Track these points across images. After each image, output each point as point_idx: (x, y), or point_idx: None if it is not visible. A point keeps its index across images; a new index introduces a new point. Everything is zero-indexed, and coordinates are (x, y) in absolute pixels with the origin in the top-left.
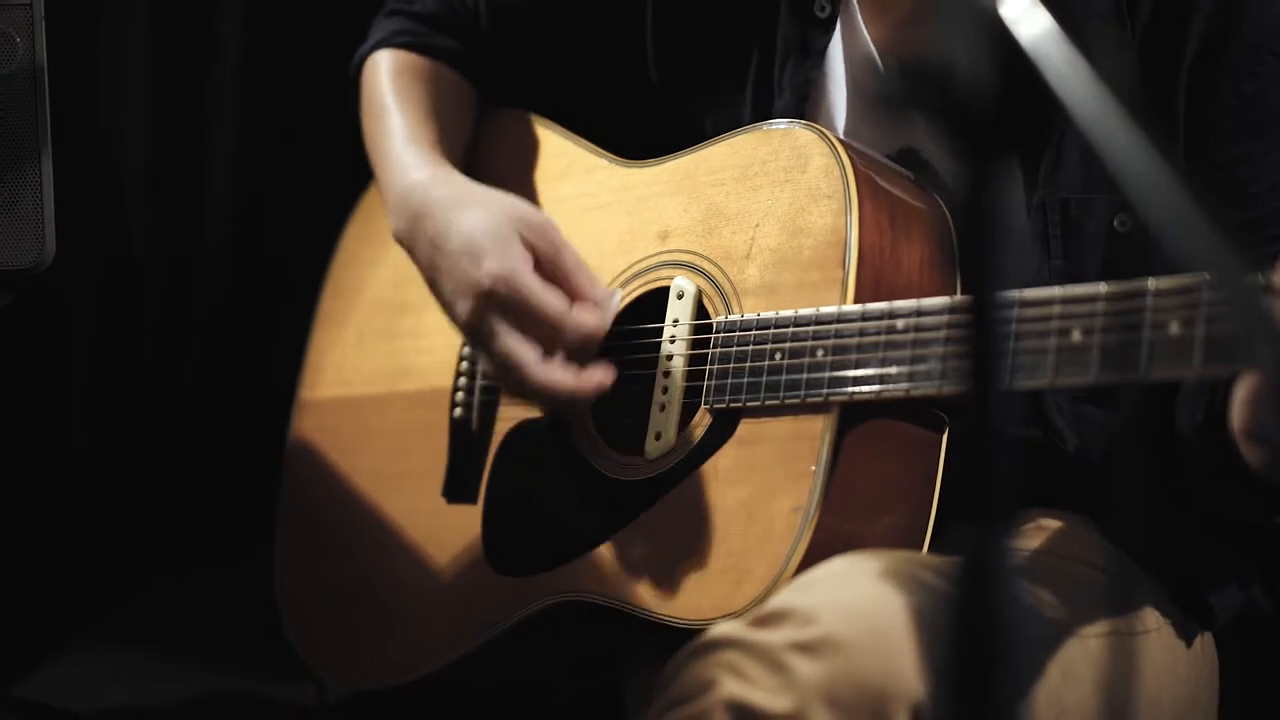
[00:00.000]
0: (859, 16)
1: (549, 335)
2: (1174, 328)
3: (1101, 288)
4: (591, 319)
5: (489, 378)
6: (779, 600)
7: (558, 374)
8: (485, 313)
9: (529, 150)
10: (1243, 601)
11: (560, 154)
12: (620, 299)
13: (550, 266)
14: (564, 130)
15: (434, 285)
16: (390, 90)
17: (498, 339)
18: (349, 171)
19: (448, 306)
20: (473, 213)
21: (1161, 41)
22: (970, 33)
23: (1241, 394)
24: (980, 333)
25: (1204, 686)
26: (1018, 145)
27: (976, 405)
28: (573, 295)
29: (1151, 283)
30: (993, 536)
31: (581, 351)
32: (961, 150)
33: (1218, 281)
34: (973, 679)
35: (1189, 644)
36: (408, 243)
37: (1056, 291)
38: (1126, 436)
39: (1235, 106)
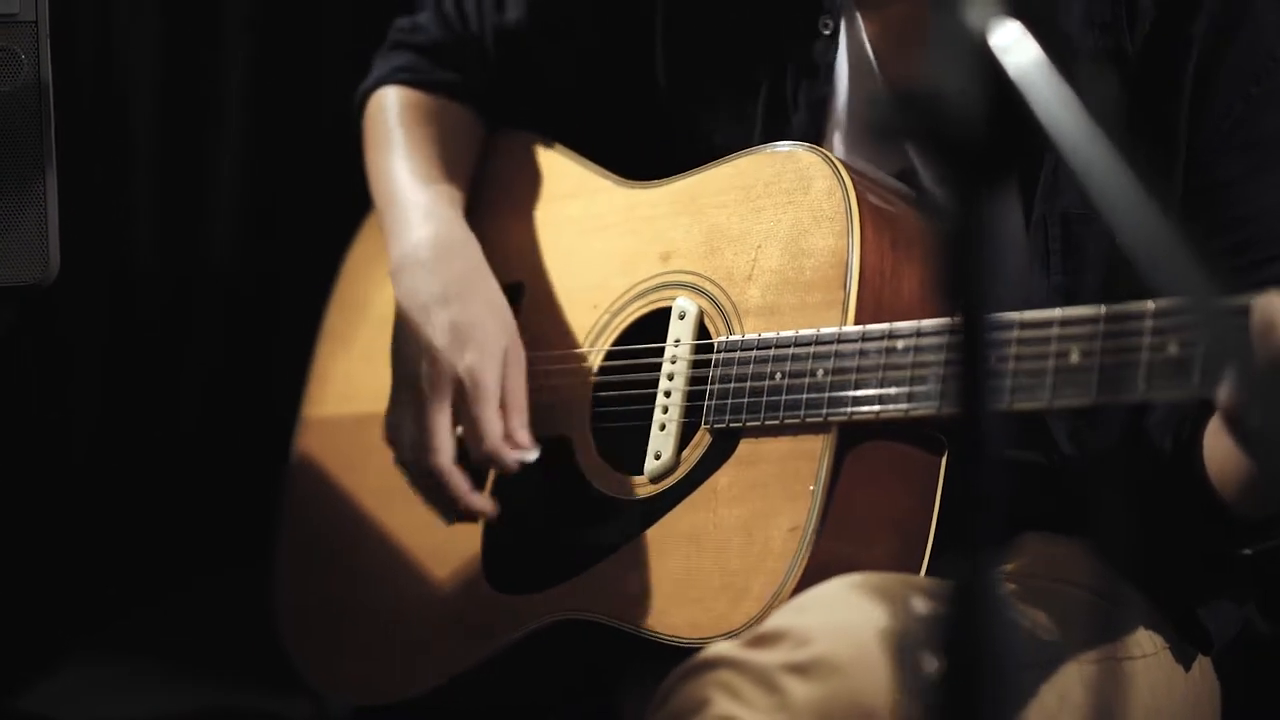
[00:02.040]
0: (865, 38)
1: (471, 444)
2: (1172, 348)
3: (1101, 309)
4: (511, 458)
5: (391, 436)
6: (774, 621)
7: (458, 477)
8: (438, 387)
9: (535, 171)
10: (1240, 624)
11: (565, 175)
12: (536, 453)
13: (507, 394)
14: (569, 152)
15: (405, 328)
16: (395, 128)
17: (433, 413)
18: (354, 188)
19: (405, 353)
20: (473, 306)
21: (1160, 61)
22: (960, 60)
23: (1214, 423)
24: (970, 355)
25: (1204, 712)
26: (1003, 172)
27: (968, 426)
28: (509, 432)
29: (1150, 304)
30: (982, 559)
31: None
32: (949, 177)
33: (1192, 305)
34: (962, 702)
35: (1187, 668)
36: (397, 280)
37: (1056, 313)
38: (1116, 457)
39: (1227, 127)
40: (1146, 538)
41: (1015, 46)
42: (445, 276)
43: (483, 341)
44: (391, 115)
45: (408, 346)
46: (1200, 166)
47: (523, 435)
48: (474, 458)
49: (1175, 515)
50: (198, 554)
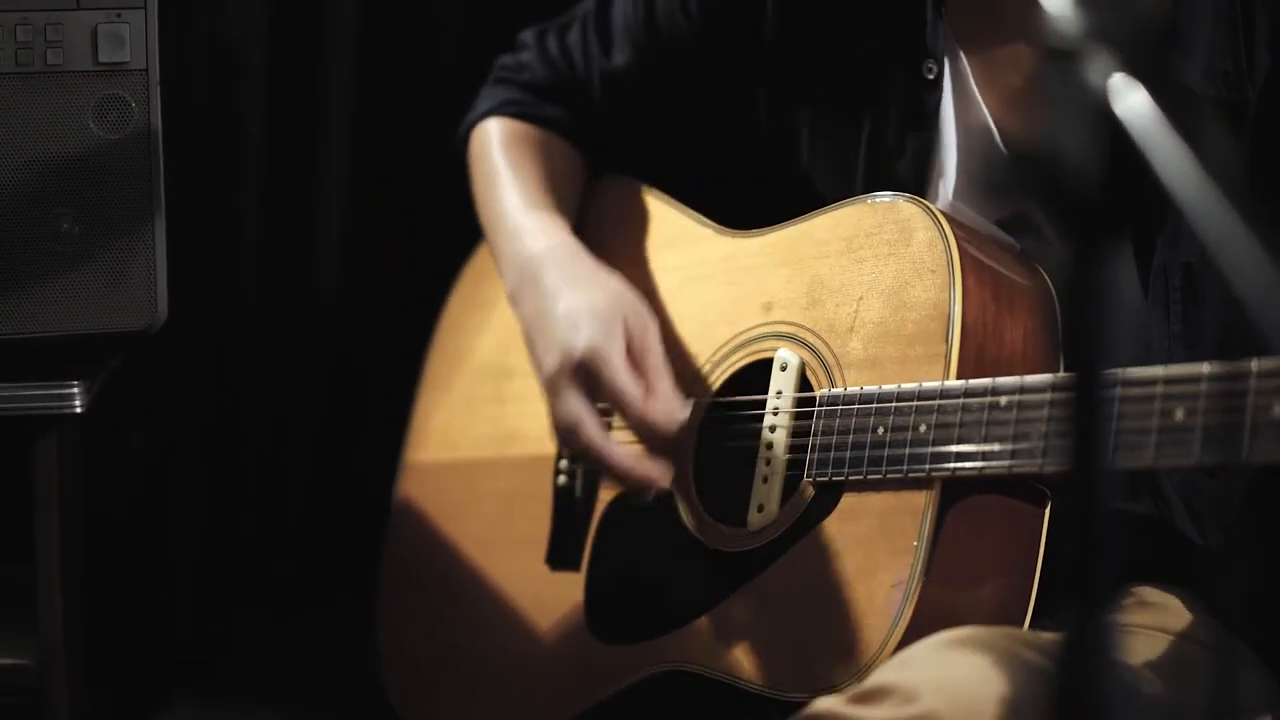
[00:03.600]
0: (971, 82)
1: (620, 414)
2: (1277, 410)
3: (1204, 368)
4: (660, 417)
5: (557, 434)
6: (879, 677)
7: (619, 452)
8: (568, 375)
9: (637, 218)
10: None
11: (667, 223)
12: (691, 409)
13: (639, 357)
14: (670, 199)
15: (530, 342)
16: (502, 158)
17: (571, 400)
18: (460, 228)
19: (537, 361)
20: (583, 289)
21: (1275, 108)
22: (1078, 119)
23: None
24: (1083, 412)
25: None
26: (1123, 232)
27: (1080, 485)
28: (650, 390)
29: (1255, 364)
30: (1095, 615)
31: (647, 443)
32: (1070, 235)
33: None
34: None
35: None
36: (516, 301)
37: (1159, 371)
38: (1238, 514)
39: None
40: (1266, 595)
41: (1133, 104)
42: (558, 278)
43: (595, 319)
44: (497, 146)
45: (535, 356)
46: None
47: (668, 398)
48: (632, 429)
49: None
50: (301, 597)
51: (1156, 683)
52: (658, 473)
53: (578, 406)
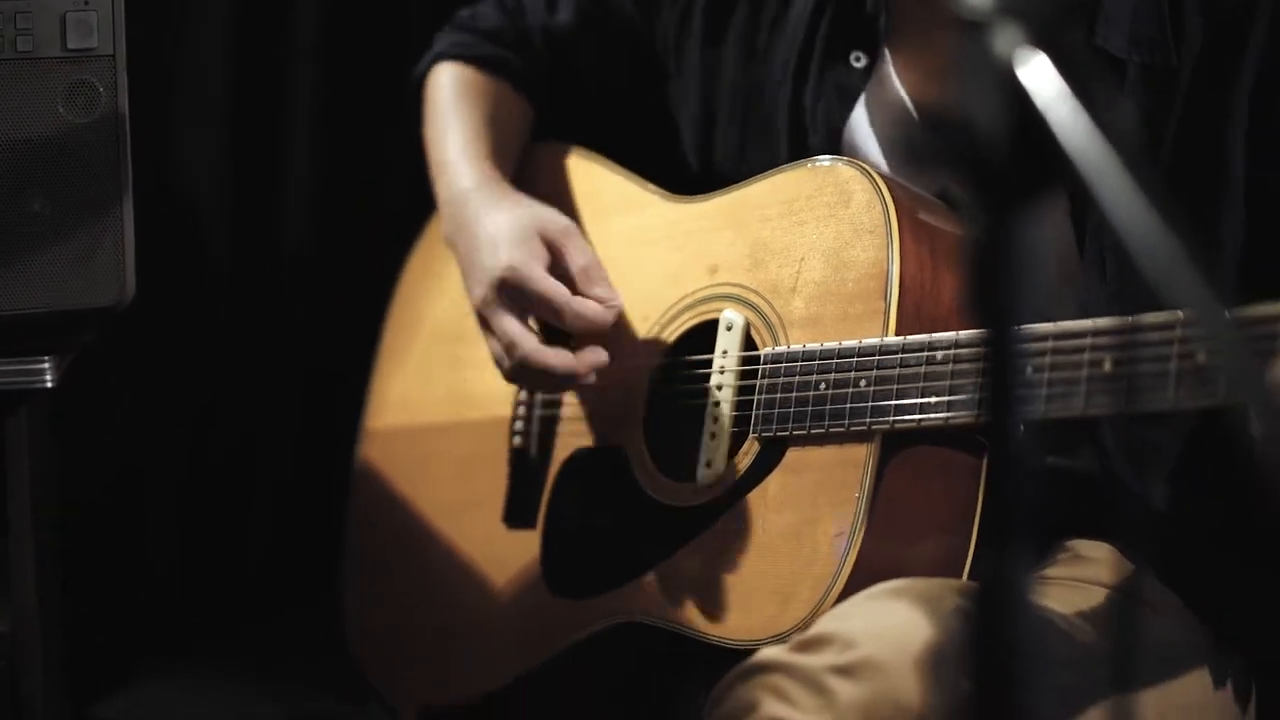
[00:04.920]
0: (892, 68)
1: (552, 320)
2: (1200, 357)
3: (1130, 320)
4: (591, 306)
5: (496, 360)
6: (820, 626)
7: (552, 354)
8: (495, 298)
9: (582, 185)
10: None
11: (611, 189)
12: (621, 301)
13: (562, 261)
14: (613, 165)
15: (465, 278)
16: (450, 104)
17: (501, 320)
18: (419, 204)
19: (470, 294)
20: (502, 213)
21: (1212, 74)
22: (986, 86)
23: None
24: (1000, 366)
25: None
26: (1031, 194)
27: (999, 433)
28: (578, 288)
29: (1180, 314)
30: (1013, 560)
31: (584, 340)
32: (979, 199)
33: (1199, 319)
34: (993, 700)
35: (1226, 685)
36: (451, 244)
37: (1088, 324)
38: (1178, 465)
39: None
40: (1203, 550)
41: (1037, 74)
42: (481, 212)
43: (513, 236)
44: (447, 93)
45: (469, 292)
46: (1269, 176)
47: (598, 289)
48: (567, 327)
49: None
50: (272, 570)
51: (1088, 632)
52: (595, 359)
53: (508, 324)
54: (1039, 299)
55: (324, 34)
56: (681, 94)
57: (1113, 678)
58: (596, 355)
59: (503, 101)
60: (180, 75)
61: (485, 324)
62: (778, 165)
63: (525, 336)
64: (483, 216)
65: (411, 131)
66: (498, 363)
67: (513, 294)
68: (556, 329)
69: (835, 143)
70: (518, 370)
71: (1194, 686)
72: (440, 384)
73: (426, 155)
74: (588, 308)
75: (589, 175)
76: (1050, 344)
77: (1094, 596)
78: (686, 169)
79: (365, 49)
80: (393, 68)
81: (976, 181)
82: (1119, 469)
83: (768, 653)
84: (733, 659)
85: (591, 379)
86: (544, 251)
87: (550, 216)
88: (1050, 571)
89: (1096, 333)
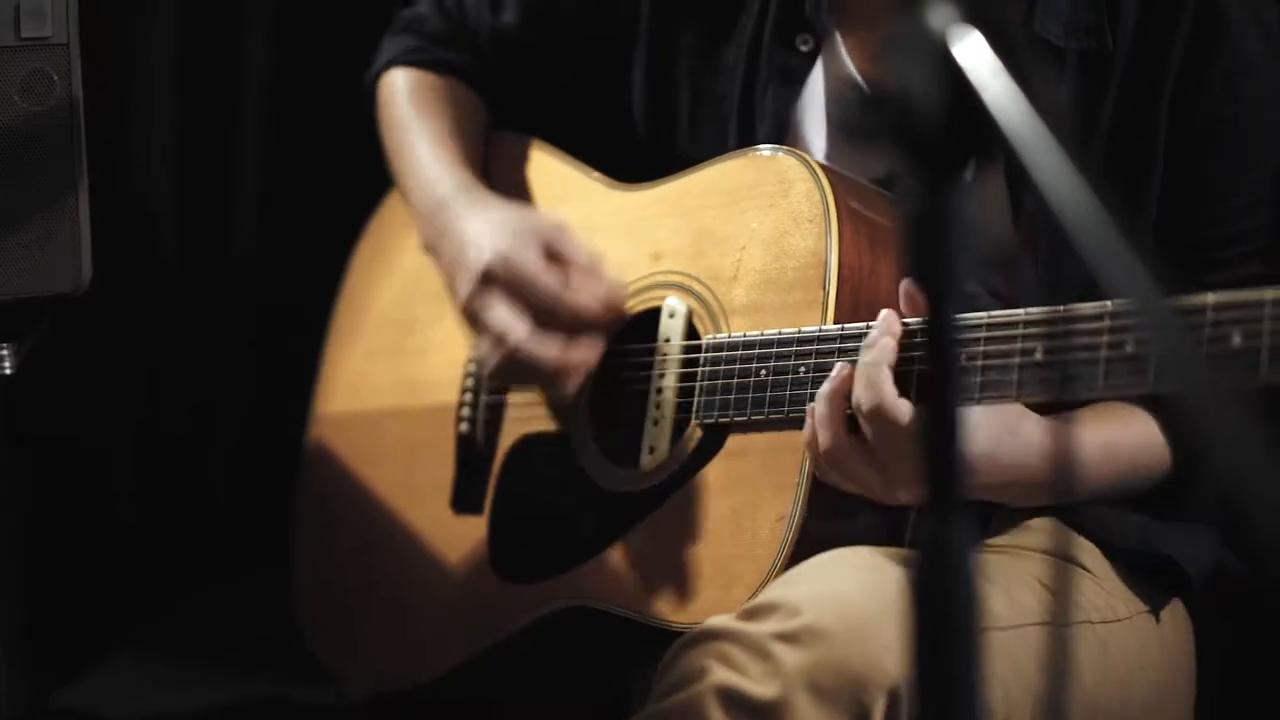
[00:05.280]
0: (842, 50)
1: (545, 313)
2: (1129, 347)
3: (1062, 309)
4: (586, 296)
5: (480, 361)
6: (766, 594)
7: (544, 346)
8: (483, 291)
9: (529, 174)
10: (1214, 564)
11: (558, 178)
12: (627, 294)
13: (556, 253)
14: (561, 154)
15: (449, 283)
16: (410, 108)
17: (491, 310)
18: (372, 190)
19: (455, 295)
20: (489, 212)
21: (1144, 62)
22: (922, 63)
23: None
24: (937, 342)
25: (1179, 671)
26: (965, 167)
27: (934, 415)
28: (571, 278)
29: (1109, 304)
30: (950, 527)
31: (580, 331)
32: (919, 174)
33: (1140, 306)
34: (930, 657)
35: (1161, 631)
36: (434, 251)
37: (1020, 313)
38: None
39: (1213, 127)
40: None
41: (972, 51)
42: (466, 215)
43: (500, 231)
44: (404, 97)
45: (454, 294)
46: (1190, 162)
47: (591, 282)
48: (561, 323)
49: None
50: (236, 550)
51: (1028, 596)
52: (586, 357)
53: (498, 312)
54: (977, 270)
55: (278, 20)
56: (635, 80)
57: (1049, 626)
58: (588, 353)
59: (462, 104)
60: (132, 63)
61: (474, 321)
62: (727, 150)
63: (517, 324)
64: (466, 218)
65: (365, 123)
66: (484, 361)
67: (503, 282)
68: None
69: (782, 127)
70: (506, 363)
71: (1129, 631)
72: (389, 369)
73: (390, 163)
74: (580, 298)
75: (535, 165)
76: (984, 333)
77: (1030, 561)
78: (639, 155)
79: (318, 34)
80: (346, 54)
81: (914, 157)
82: None
83: (714, 621)
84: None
85: (576, 382)
86: (536, 244)
87: (542, 214)
88: (991, 540)
89: (1029, 322)
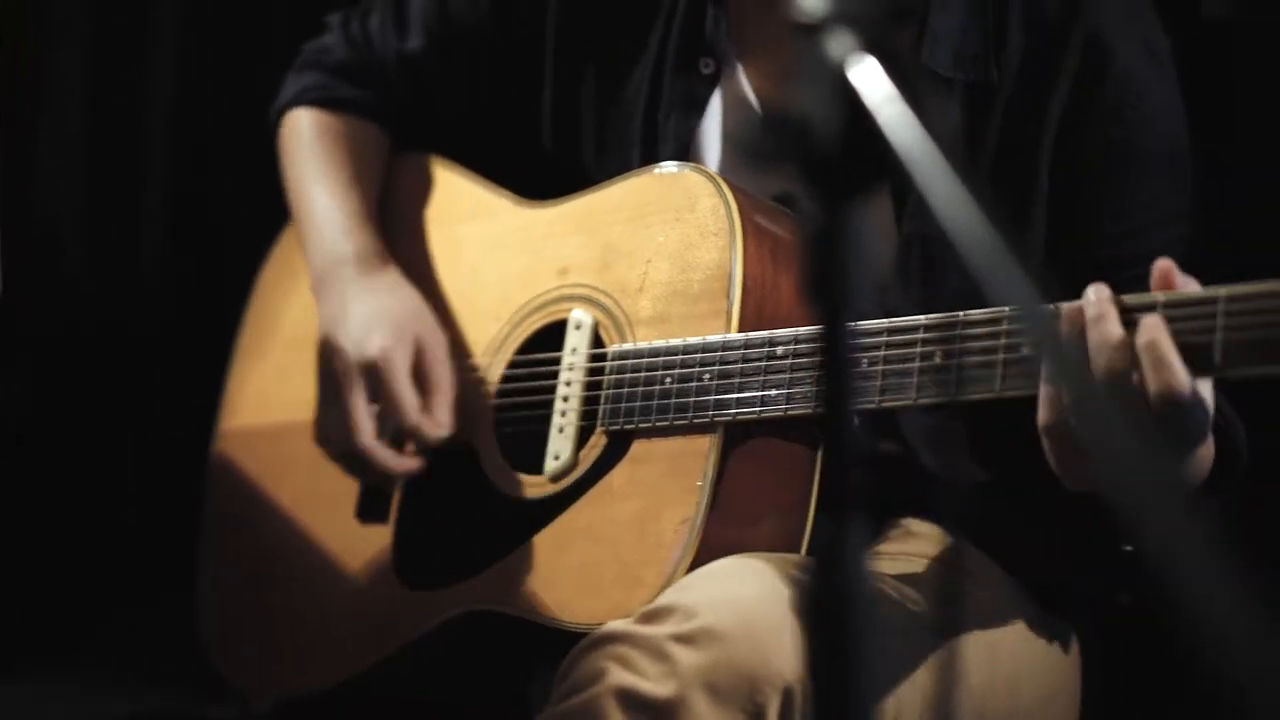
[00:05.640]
0: (742, 75)
1: (394, 426)
2: (1025, 350)
3: (960, 315)
4: (430, 424)
5: (320, 429)
6: (664, 598)
7: (380, 454)
8: (353, 375)
9: (437, 193)
10: (1101, 594)
11: (466, 196)
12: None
13: (426, 370)
14: (469, 173)
15: (324, 336)
16: (310, 150)
17: (350, 399)
18: (275, 209)
19: (325, 355)
20: (382, 298)
21: (1028, 90)
22: (822, 89)
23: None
24: (834, 355)
25: (1066, 679)
26: (862, 189)
27: (832, 419)
28: (428, 403)
29: (1006, 310)
30: (844, 535)
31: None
32: (815, 193)
33: (1019, 312)
34: (827, 664)
35: (1049, 639)
36: (317, 295)
37: (921, 319)
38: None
39: (1102, 151)
40: (1013, 517)
41: (870, 78)
42: (360, 284)
43: (390, 328)
44: (305, 136)
45: (326, 349)
46: (1081, 185)
47: (443, 413)
48: (402, 433)
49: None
50: (145, 573)
51: (917, 600)
52: (409, 468)
53: (356, 407)
54: (870, 293)
55: (183, 36)
56: (543, 102)
57: (938, 630)
58: (413, 465)
59: (364, 146)
60: (40, 83)
61: (328, 390)
62: (631, 170)
63: (366, 425)
64: (354, 293)
65: (270, 145)
66: (324, 433)
67: (374, 382)
68: None
69: (684, 149)
70: (345, 453)
71: (1017, 636)
72: (295, 385)
73: (290, 203)
74: (427, 427)
75: (444, 184)
76: (884, 338)
77: (920, 567)
78: (546, 175)
79: (224, 53)
80: (250, 71)
81: (811, 178)
82: (920, 453)
83: (613, 624)
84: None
85: (395, 484)
86: (410, 353)
87: (427, 318)
88: (883, 547)
89: (928, 327)
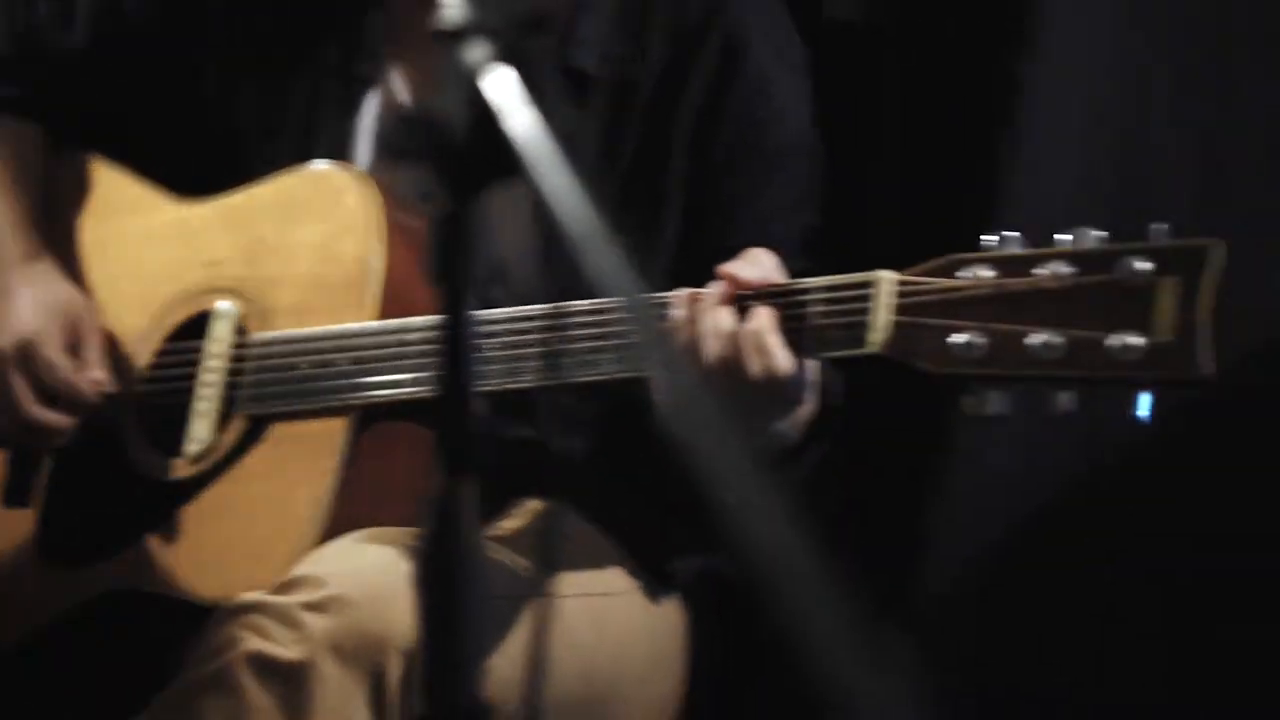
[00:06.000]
0: (395, 78)
1: (51, 389)
2: (629, 337)
3: (574, 304)
4: (85, 381)
5: None
6: (296, 570)
7: (45, 411)
8: (8, 357)
9: (96, 190)
10: (700, 567)
11: (123, 193)
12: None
13: (76, 339)
14: (126, 172)
15: None
16: None
17: (10, 377)
18: None
19: None
20: (33, 290)
21: (667, 89)
22: (457, 93)
23: None
24: (451, 340)
25: (671, 642)
26: (488, 186)
27: (446, 400)
28: (82, 364)
29: (612, 301)
30: (449, 497)
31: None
32: (445, 188)
33: (623, 303)
34: (439, 625)
35: (658, 606)
36: None
37: (536, 309)
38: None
39: (735, 145)
40: (625, 500)
41: (501, 84)
42: (17, 281)
43: (41, 309)
44: None
45: None
46: (717, 179)
47: (96, 371)
48: (58, 392)
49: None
50: None
51: (529, 569)
52: (67, 422)
53: (17, 384)
54: (506, 278)
55: None
56: (206, 101)
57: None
58: (70, 422)
59: (19, 146)
60: None
61: None
62: (288, 168)
63: (29, 396)
64: (16, 289)
65: None
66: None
67: (28, 357)
68: None
69: (337, 148)
70: (17, 434)
71: (627, 603)
72: None
73: None
74: (83, 384)
75: (103, 181)
76: (503, 325)
77: (528, 538)
78: (207, 173)
79: None
80: None
81: (442, 173)
82: (549, 433)
83: (246, 596)
84: None
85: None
86: (64, 325)
87: (72, 294)
88: (505, 524)
89: (543, 316)
